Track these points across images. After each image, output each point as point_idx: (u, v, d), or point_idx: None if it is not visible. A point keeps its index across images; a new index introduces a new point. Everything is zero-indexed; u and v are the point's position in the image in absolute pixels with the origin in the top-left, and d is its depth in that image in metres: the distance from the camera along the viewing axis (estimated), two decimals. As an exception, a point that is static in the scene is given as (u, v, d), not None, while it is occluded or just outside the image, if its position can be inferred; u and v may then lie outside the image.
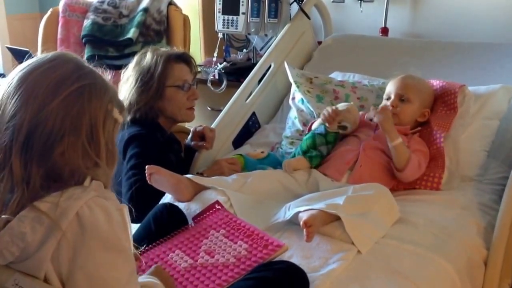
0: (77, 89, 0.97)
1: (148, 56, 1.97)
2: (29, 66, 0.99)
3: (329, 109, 1.91)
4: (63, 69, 0.99)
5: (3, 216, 0.93)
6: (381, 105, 1.93)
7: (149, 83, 1.93)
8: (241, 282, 1.24)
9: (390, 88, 1.99)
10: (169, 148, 2.00)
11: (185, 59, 2.04)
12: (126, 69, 2.00)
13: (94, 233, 0.93)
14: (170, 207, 1.57)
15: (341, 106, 1.97)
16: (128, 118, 1.94)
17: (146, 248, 1.37)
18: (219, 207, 1.54)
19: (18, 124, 0.93)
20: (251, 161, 2.02)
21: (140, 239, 1.30)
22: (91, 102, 0.98)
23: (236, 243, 1.36)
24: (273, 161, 2.03)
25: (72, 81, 0.97)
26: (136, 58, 2.01)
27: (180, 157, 2.09)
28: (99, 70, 1.05)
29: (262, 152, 2.07)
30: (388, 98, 1.98)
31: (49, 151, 0.95)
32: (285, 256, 1.37)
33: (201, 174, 1.88)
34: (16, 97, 0.95)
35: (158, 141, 1.94)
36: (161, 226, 1.49)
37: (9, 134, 0.94)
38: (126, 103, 1.93)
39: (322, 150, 1.92)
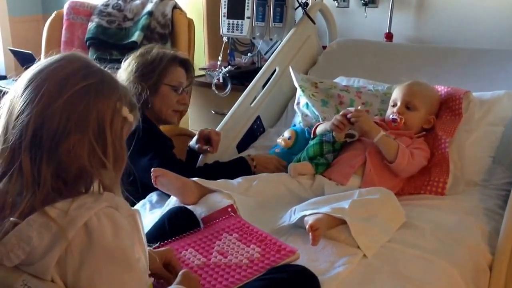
0: (83, 87, 0.97)
1: (154, 51, 2.06)
2: (38, 67, 1.00)
3: (338, 117, 1.89)
4: (70, 67, 0.99)
5: (12, 218, 0.93)
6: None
7: (148, 75, 2.01)
8: (255, 283, 1.25)
9: (397, 94, 1.99)
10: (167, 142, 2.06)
11: (187, 65, 2.14)
12: (126, 58, 2.07)
13: (100, 244, 0.92)
14: (185, 210, 1.59)
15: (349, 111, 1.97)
16: None
17: (159, 245, 1.38)
18: (231, 210, 1.54)
19: (25, 122, 0.94)
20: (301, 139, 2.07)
21: (154, 239, 1.31)
22: (97, 100, 0.98)
23: (249, 246, 1.37)
24: (301, 146, 2.05)
25: (78, 80, 0.97)
26: (140, 50, 2.09)
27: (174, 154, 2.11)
28: (109, 70, 1.05)
29: (289, 139, 2.07)
30: (394, 105, 1.98)
31: (56, 148, 0.95)
32: (291, 259, 1.37)
33: (252, 160, 1.97)
34: (23, 96, 0.96)
35: (159, 132, 2.04)
36: (175, 227, 1.49)
37: (17, 132, 0.94)
38: None
39: (328, 158, 1.93)
